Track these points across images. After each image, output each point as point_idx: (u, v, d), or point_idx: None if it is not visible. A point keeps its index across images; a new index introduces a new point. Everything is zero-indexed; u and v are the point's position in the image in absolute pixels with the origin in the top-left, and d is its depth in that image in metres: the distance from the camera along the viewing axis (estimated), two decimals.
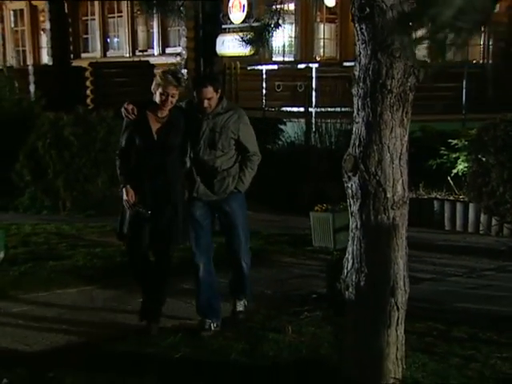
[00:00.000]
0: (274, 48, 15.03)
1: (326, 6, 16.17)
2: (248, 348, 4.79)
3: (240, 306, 5.52)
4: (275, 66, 13.98)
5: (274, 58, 15.20)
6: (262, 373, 4.41)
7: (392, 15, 3.74)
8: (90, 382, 4.30)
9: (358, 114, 3.94)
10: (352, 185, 3.99)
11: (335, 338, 4.81)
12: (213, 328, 5.16)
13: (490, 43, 17.06)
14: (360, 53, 3.90)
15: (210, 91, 5.02)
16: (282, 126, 12.74)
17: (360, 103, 3.93)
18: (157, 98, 4.97)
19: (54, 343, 5.05)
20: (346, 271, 4.07)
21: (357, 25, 3.88)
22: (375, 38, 3.80)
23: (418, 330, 5.07)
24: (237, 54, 12.39)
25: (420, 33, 2.60)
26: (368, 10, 3.79)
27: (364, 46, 3.86)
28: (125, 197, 5.00)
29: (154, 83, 5.01)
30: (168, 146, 5.05)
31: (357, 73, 3.92)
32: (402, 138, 3.94)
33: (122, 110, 5.06)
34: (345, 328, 4.22)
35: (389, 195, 3.92)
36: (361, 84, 3.90)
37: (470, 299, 6.06)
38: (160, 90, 4.94)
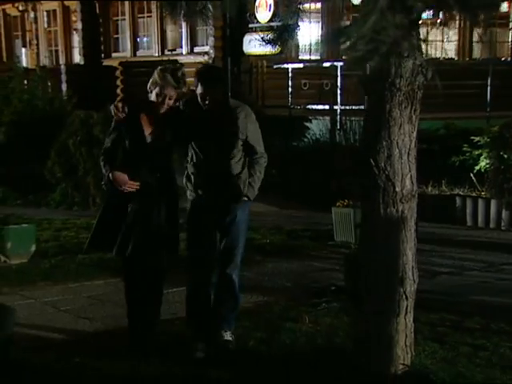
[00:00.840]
0: (300, 46, 15.18)
1: (353, 4, 16.25)
2: (265, 337, 4.98)
3: (228, 335, 4.87)
4: (301, 65, 14.14)
5: (301, 57, 15.34)
6: (277, 360, 4.61)
7: None
8: (112, 367, 4.53)
9: (368, 111, 4.12)
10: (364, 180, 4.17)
11: (351, 328, 4.98)
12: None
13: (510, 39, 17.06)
14: None
15: (210, 89, 4.62)
16: (308, 124, 12.94)
17: (370, 101, 4.10)
18: (152, 98, 4.60)
19: (81, 331, 5.30)
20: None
21: None
22: None
23: (431, 321, 5.24)
24: (263, 53, 12.57)
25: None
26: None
27: None
28: (119, 179, 4.59)
29: (150, 81, 4.61)
30: (160, 150, 4.67)
31: (367, 72, 4.10)
32: (411, 135, 4.09)
33: (111, 108, 4.66)
34: (358, 317, 4.40)
35: (397, 189, 4.08)
36: (370, 82, 4.08)
37: (485, 292, 6.20)
38: (157, 89, 4.56)
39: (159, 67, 4.71)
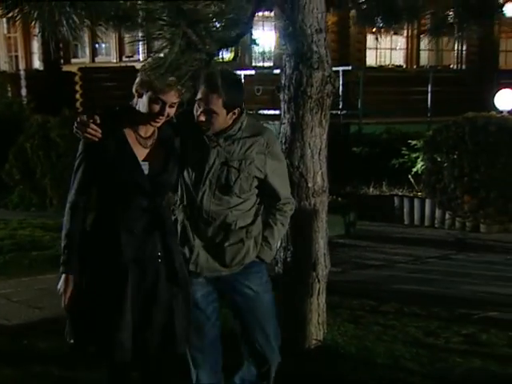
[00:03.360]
0: (254, 54, 15.71)
1: None
2: None
3: None
4: (253, 71, 14.68)
5: (255, 64, 15.88)
6: None
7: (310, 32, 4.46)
8: (59, 347, 4.98)
9: (284, 116, 4.66)
10: None
11: None
12: None
13: (464, 49, 17.82)
14: (285, 64, 4.61)
15: (214, 100, 3.23)
16: None
17: (286, 107, 4.64)
18: (143, 107, 3.13)
19: (30, 319, 5.75)
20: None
21: (282, 41, 4.61)
22: (297, 52, 4.52)
23: (352, 306, 5.80)
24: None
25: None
26: (291, 28, 4.50)
27: (288, 58, 4.58)
28: (61, 288, 3.21)
29: (137, 81, 3.17)
30: (162, 187, 3.26)
31: (283, 81, 4.63)
32: (321, 137, 4.63)
33: (75, 127, 3.15)
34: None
35: (310, 185, 4.62)
36: (286, 91, 4.62)
37: (407, 282, 6.79)
38: (150, 93, 3.10)
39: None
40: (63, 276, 3.20)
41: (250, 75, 14.32)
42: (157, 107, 3.13)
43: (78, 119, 3.15)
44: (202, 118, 3.27)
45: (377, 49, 16.68)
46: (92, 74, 16.63)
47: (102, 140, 3.12)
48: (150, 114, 3.14)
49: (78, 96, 17.11)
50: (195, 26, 3.08)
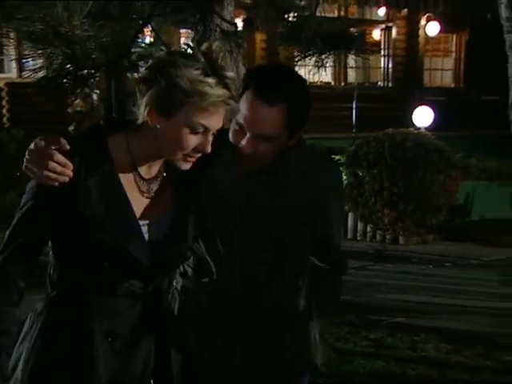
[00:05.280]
0: None
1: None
2: None
3: None
4: None
5: None
6: None
7: None
8: None
9: None
10: None
11: None
12: None
13: (390, 66, 18.39)
14: None
15: (271, 119, 2.06)
16: None
17: None
18: (169, 133, 1.87)
19: None
20: None
21: None
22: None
23: None
24: None
25: None
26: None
27: None
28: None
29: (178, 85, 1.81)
30: (169, 261, 2.01)
31: None
32: None
33: (26, 159, 1.87)
34: None
35: None
36: None
37: None
38: (190, 115, 1.84)
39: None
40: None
41: None
42: (195, 138, 1.85)
43: (33, 146, 1.84)
44: (249, 150, 2.05)
45: (305, 66, 17.05)
46: (19, 89, 16.53)
47: (73, 182, 1.82)
48: (178, 145, 1.86)
49: (4, 111, 16.98)
50: (71, 47, 3.25)
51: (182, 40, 12.34)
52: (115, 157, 1.89)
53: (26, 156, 1.86)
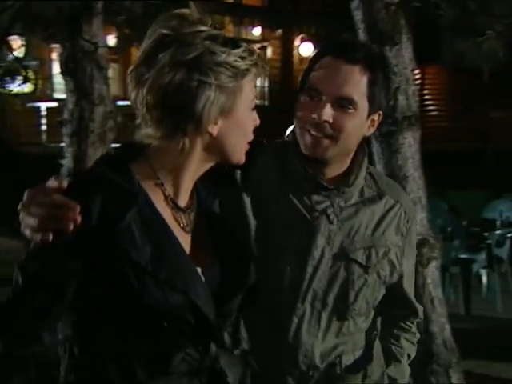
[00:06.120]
0: (55, 86, 15.46)
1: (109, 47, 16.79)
2: None
3: None
4: (55, 103, 14.44)
5: (56, 96, 15.63)
6: None
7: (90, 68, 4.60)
8: None
9: (66, 149, 4.74)
10: None
11: None
12: None
13: (266, 85, 18.63)
14: (68, 100, 4.70)
15: (354, 80, 1.64)
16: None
17: (69, 141, 4.73)
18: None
19: None
20: None
21: (64, 77, 4.70)
22: (78, 87, 4.62)
23: None
24: (16, 91, 12.75)
25: None
26: (72, 65, 4.61)
27: (70, 94, 4.67)
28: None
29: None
30: (227, 314, 1.48)
31: (65, 116, 4.72)
32: None
33: (21, 211, 1.31)
34: None
35: None
36: (68, 125, 4.70)
37: None
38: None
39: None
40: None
41: (51, 108, 14.12)
42: (254, 113, 1.48)
43: (27, 195, 1.33)
44: (326, 117, 1.61)
45: None
46: None
47: (108, 225, 1.33)
48: (246, 132, 1.48)
49: None
50: None
51: (54, 56, 12.14)
52: (144, 186, 1.40)
53: (20, 213, 1.32)
